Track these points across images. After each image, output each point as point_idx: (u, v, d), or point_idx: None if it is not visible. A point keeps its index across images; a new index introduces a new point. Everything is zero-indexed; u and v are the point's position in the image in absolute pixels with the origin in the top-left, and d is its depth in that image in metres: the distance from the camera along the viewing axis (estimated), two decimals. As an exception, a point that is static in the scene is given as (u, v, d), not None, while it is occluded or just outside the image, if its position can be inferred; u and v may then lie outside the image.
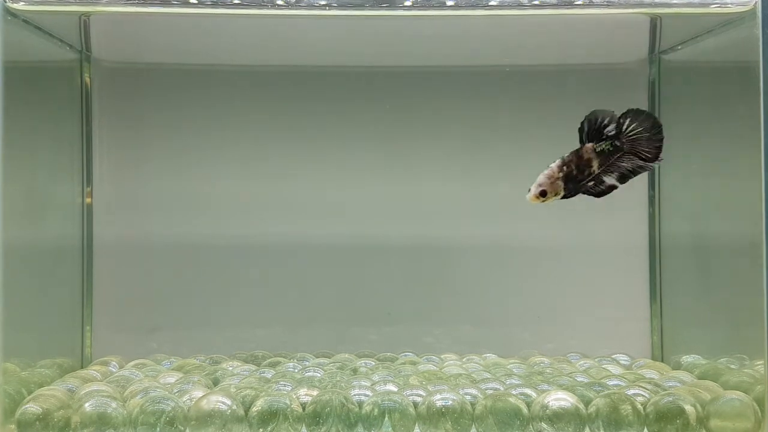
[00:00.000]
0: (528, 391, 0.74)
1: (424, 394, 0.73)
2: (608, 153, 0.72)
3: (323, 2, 0.76)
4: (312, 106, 0.97)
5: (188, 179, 0.97)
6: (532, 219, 0.97)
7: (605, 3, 0.78)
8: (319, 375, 0.82)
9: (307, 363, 0.89)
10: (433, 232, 0.98)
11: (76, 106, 0.95)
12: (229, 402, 0.70)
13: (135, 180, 0.97)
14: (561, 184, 0.72)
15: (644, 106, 0.98)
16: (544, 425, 0.70)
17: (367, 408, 0.71)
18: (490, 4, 0.77)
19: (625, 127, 0.72)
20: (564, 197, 0.73)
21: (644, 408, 0.71)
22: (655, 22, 0.94)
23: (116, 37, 0.96)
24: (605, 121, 0.72)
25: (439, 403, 0.71)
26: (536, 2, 0.77)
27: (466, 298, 0.98)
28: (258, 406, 0.71)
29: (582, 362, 0.90)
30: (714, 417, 0.71)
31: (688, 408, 0.71)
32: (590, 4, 0.77)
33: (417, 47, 0.96)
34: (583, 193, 0.73)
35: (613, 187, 0.73)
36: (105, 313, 0.97)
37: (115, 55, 0.97)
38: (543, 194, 0.72)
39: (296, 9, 0.77)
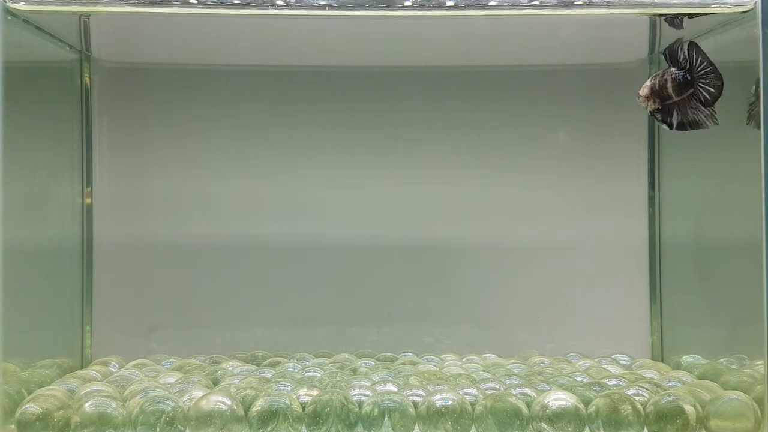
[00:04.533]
0: (528, 391, 0.74)
1: (424, 394, 0.73)
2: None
3: (323, 2, 0.76)
4: (312, 106, 0.97)
5: (188, 179, 0.97)
6: (533, 219, 0.97)
7: (605, 3, 0.78)
8: (319, 375, 0.82)
9: (307, 363, 0.89)
10: (433, 232, 0.98)
11: (76, 106, 0.95)
12: (229, 402, 0.70)
13: (135, 180, 0.97)
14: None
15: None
16: (544, 425, 0.70)
17: (367, 408, 0.71)
18: (490, 4, 0.77)
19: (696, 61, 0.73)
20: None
21: (644, 408, 0.71)
22: (654, 22, 0.94)
23: (116, 37, 0.96)
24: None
25: (439, 403, 0.71)
26: (536, 2, 0.77)
27: (466, 298, 0.98)
28: (258, 406, 0.71)
29: (582, 362, 0.90)
30: (714, 417, 0.71)
31: (688, 408, 0.70)
32: (590, 4, 0.77)
33: (416, 47, 0.96)
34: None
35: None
36: (105, 313, 0.97)
37: (114, 55, 0.97)
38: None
39: (296, 9, 0.77)
